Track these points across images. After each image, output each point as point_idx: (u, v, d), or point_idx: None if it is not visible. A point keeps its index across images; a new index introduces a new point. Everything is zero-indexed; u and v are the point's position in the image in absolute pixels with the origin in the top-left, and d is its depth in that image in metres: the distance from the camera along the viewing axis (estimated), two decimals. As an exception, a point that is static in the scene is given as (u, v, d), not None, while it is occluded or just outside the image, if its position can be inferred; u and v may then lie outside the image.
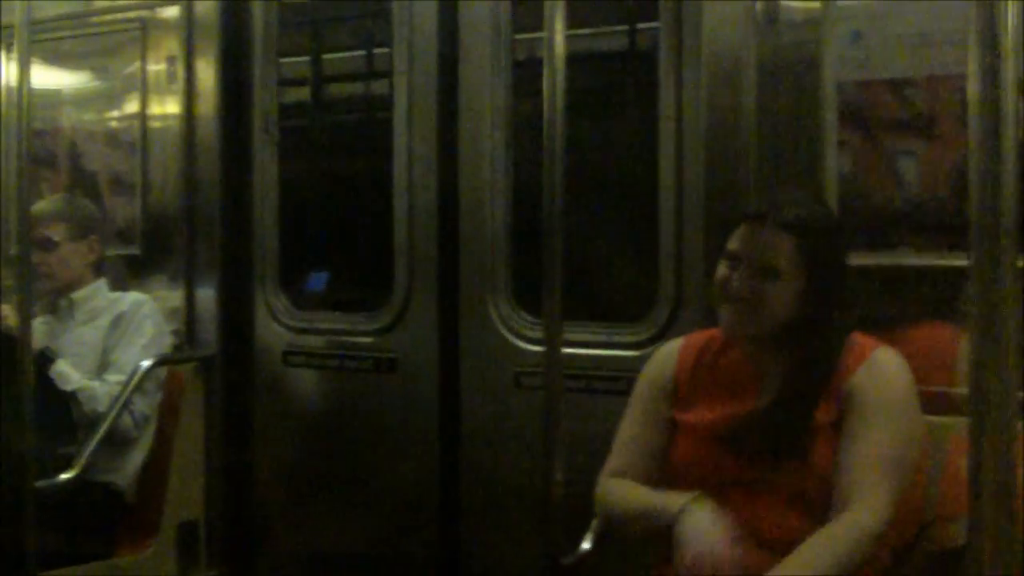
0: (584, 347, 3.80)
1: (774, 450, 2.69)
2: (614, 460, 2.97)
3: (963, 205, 1.72)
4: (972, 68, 1.56)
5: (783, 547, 2.59)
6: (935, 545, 2.69)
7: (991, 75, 1.55)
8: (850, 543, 2.56)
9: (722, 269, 2.76)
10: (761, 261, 2.70)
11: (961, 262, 2.36)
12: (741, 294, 2.71)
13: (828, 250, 2.77)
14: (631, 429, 2.96)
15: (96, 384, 4.19)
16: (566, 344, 3.09)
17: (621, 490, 2.89)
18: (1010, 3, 1.56)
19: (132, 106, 4.88)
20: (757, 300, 2.70)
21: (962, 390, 2.65)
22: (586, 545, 3.15)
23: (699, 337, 2.97)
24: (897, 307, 3.22)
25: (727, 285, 2.73)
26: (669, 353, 2.97)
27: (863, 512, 2.58)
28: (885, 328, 3.07)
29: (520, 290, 4.08)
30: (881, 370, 2.71)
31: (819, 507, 2.65)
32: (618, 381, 3.72)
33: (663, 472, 2.88)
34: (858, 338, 2.77)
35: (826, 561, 2.53)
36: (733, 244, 2.76)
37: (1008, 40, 1.55)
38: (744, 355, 2.84)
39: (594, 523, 3.19)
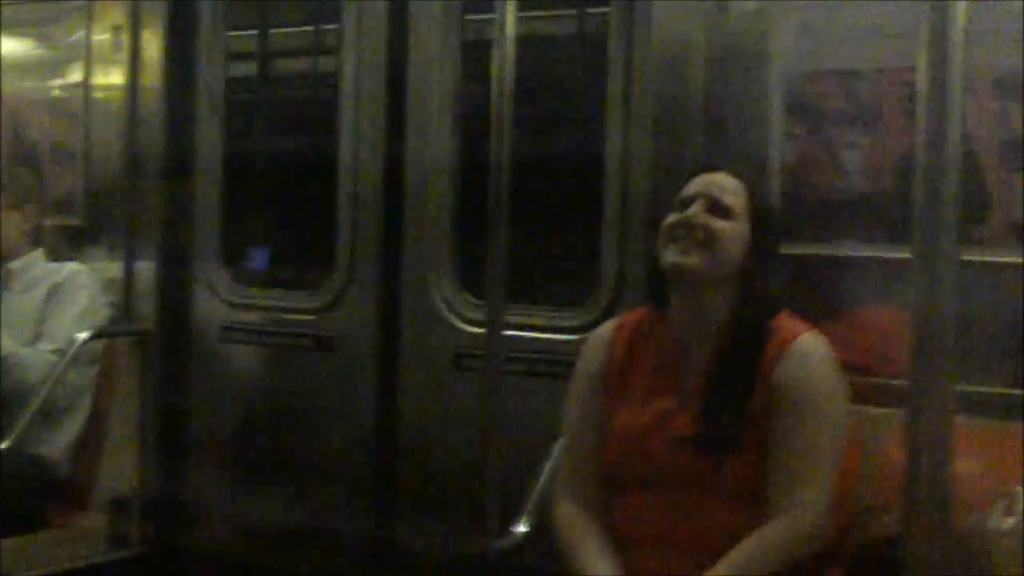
0: (526, 330, 3.80)
1: (709, 443, 2.69)
2: (566, 476, 2.95)
3: (906, 198, 1.74)
4: (921, 63, 1.57)
5: (726, 547, 2.62)
6: (868, 533, 2.72)
7: (939, 70, 1.56)
8: (784, 548, 2.61)
9: (674, 216, 2.80)
10: (715, 198, 2.78)
11: (903, 254, 2.38)
12: (695, 223, 2.74)
13: (768, 206, 2.97)
14: (575, 435, 2.94)
15: (26, 352, 4.15)
16: (507, 326, 3.09)
17: (570, 536, 2.85)
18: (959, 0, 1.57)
19: (76, 75, 4.83)
20: (709, 233, 2.74)
21: (899, 381, 2.67)
22: (521, 528, 3.15)
23: (632, 318, 2.96)
24: (839, 297, 3.24)
25: (678, 224, 2.77)
26: (601, 342, 2.96)
27: (797, 516, 2.62)
28: (825, 317, 3.10)
29: (463, 271, 4.07)
30: (805, 362, 2.73)
31: (758, 502, 2.67)
32: (559, 364, 3.73)
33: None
34: (784, 321, 2.80)
35: (759, 566, 2.58)
36: (685, 192, 2.84)
37: (956, 37, 1.56)
38: (675, 329, 2.84)
39: (529, 506, 3.20)
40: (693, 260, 2.74)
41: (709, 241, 2.74)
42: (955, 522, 1.63)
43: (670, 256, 2.76)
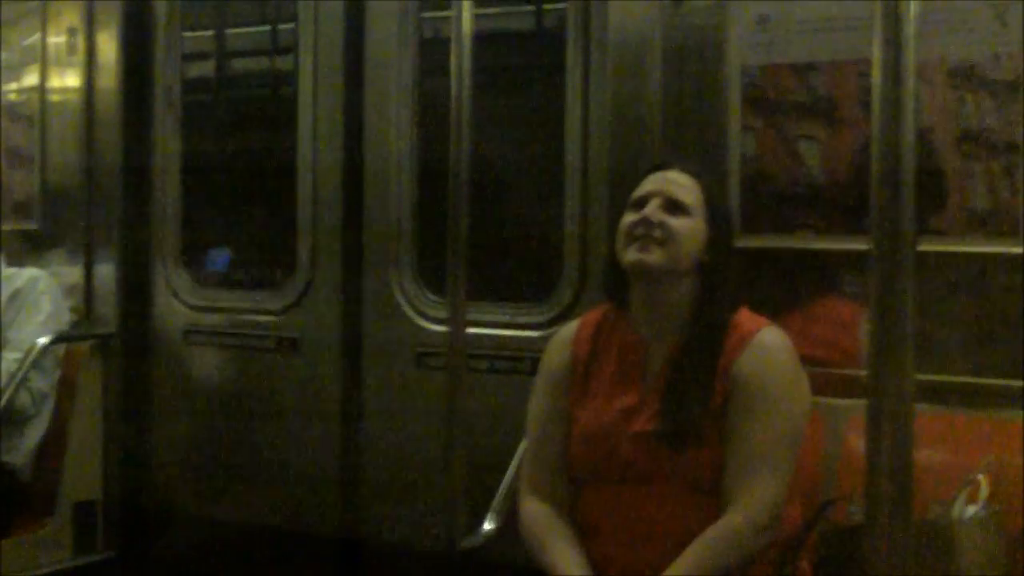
0: (488, 327, 3.80)
1: (671, 438, 2.71)
2: (531, 473, 2.95)
3: (863, 189, 1.74)
4: (875, 55, 1.58)
5: (690, 539, 2.64)
6: (833, 524, 2.73)
7: (893, 63, 1.57)
8: (739, 540, 2.64)
9: (629, 216, 2.82)
10: (670, 196, 2.80)
11: (861, 245, 2.39)
12: (653, 222, 2.76)
13: (722, 201, 2.97)
14: (539, 432, 2.94)
15: (-7, 360, 4.13)
16: (470, 324, 3.09)
17: (537, 532, 2.84)
18: (913, -9, 1.57)
19: (31, 78, 4.80)
20: (667, 230, 2.76)
21: (860, 372, 2.69)
22: (488, 526, 3.15)
23: (595, 316, 2.97)
24: (797, 289, 3.26)
25: (635, 224, 2.78)
26: (565, 340, 2.97)
27: (745, 512, 2.64)
28: (784, 309, 3.12)
29: (424, 270, 4.07)
30: (764, 355, 2.75)
31: (716, 496, 2.69)
32: (521, 361, 3.73)
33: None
34: (744, 317, 2.82)
35: (717, 559, 2.61)
36: (640, 191, 2.85)
37: (910, 28, 1.57)
38: (637, 327, 2.85)
39: (495, 504, 3.20)
40: (653, 257, 2.75)
41: (667, 239, 2.75)
42: (918, 511, 1.63)
43: (630, 255, 2.78)
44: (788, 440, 2.71)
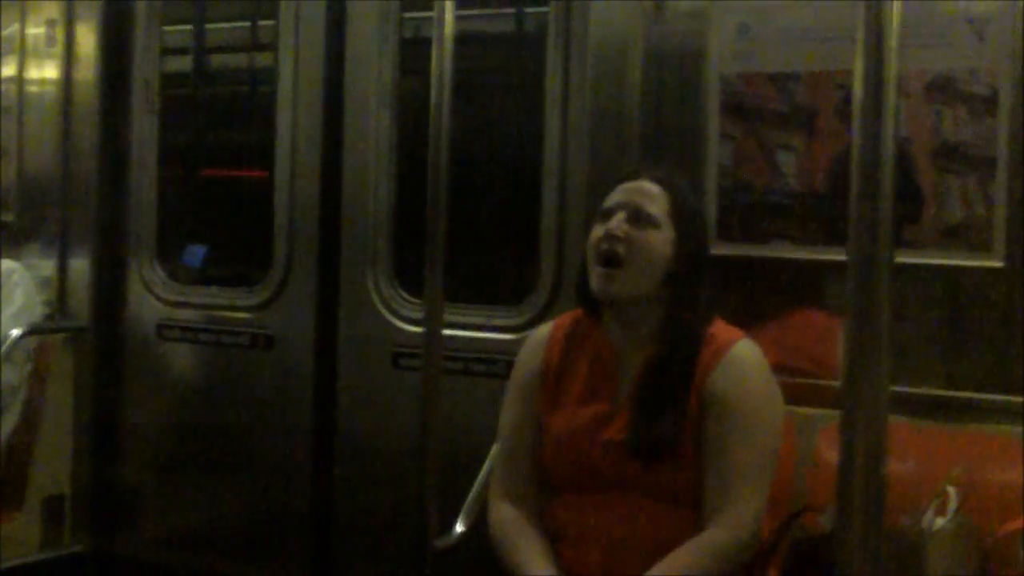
0: (463, 329, 3.80)
1: (642, 449, 2.69)
2: (501, 476, 2.94)
3: (841, 200, 1.75)
4: (857, 66, 1.58)
5: (659, 549, 2.63)
6: (804, 532, 2.74)
7: (874, 74, 1.57)
8: (721, 556, 2.62)
9: (598, 229, 2.78)
10: (637, 207, 2.76)
11: (838, 256, 2.40)
12: (617, 236, 2.72)
13: (693, 210, 2.88)
14: (510, 435, 2.93)
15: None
16: (445, 325, 3.08)
17: (508, 539, 2.83)
18: (895, 3, 1.58)
19: (9, 69, 4.78)
20: (631, 245, 2.72)
21: (833, 382, 2.70)
22: (460, 527, 3.15)
23: (567, 319, 2.96)
24: (773, 298, 3.27)
25: (601, 239, 2.75)
26: (537, 344, 2.95)
27: (734, 524, 2.63)
28: (760, 318, 3.13)
29: (401, 270, 4.06)
30: (739, 370, 2.73)
31: (691, 506, 2.68)
32: (496, 364, 3.73)
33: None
34: (718, 328, 2.80)
35: (695, 573, 2.58)
36: (609, 201, 2.81)
37: (892, 40, 1.57)
38: (610, 336, 2.84)
39: (467, 505, 3.20)
40: (616, 286, 2.73)
41: (632, 256, 2.72)
42: (888, 521, 1.64)
43: (595, 280, 2.75)
44: (766, 454, 2.71)
